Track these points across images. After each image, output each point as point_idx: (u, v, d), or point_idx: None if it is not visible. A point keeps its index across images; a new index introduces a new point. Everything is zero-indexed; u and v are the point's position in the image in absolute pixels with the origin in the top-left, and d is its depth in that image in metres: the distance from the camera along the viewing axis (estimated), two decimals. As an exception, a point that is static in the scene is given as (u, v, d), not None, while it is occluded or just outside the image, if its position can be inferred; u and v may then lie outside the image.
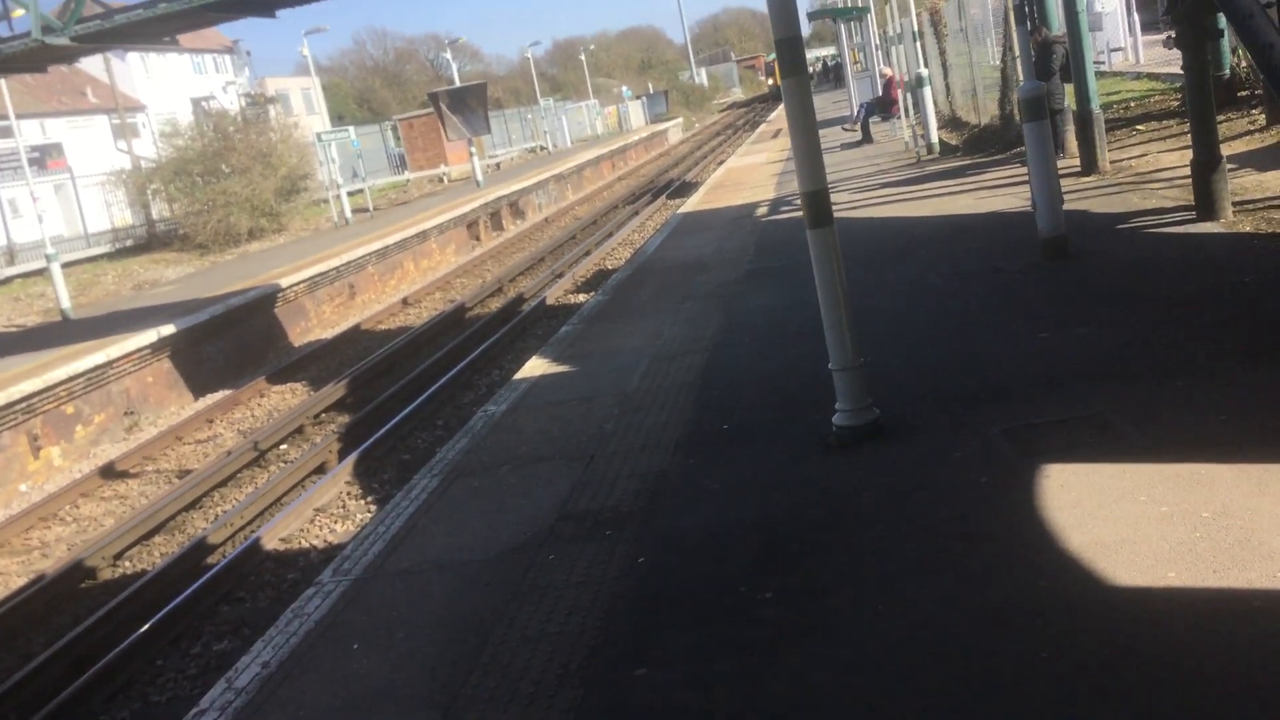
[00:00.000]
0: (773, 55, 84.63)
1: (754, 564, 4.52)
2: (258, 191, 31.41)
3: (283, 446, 12.54)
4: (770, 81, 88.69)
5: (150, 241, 33.13)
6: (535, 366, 9.21)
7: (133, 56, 52.67)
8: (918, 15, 22.83)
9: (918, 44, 22.07)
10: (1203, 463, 4.58)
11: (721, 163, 33.77)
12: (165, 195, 33.28)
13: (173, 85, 57.83)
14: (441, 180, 43.77)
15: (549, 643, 4.18)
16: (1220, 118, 11.21)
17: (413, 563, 5.34)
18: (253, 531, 9.67)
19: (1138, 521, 4.21)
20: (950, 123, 23.23)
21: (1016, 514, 4.49)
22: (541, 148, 57.07)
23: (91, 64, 46.48)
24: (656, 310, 10.49)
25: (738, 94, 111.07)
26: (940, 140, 20.01)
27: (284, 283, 19.53)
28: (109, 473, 12.70)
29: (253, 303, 18.54)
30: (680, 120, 75.81)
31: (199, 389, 16.33)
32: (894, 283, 9.41)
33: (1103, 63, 23.46)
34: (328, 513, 9.95)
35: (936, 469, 5.12)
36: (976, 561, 4.17)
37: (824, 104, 40.47)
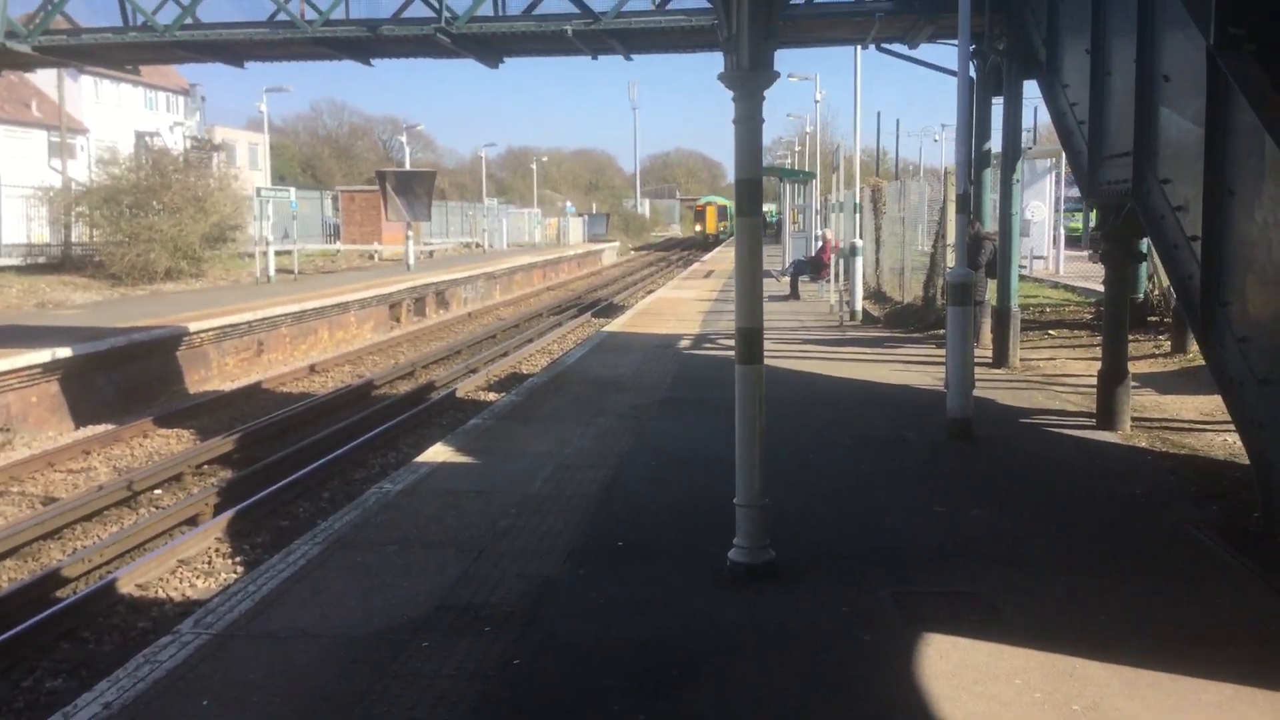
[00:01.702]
0: (706, 199, 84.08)
1: (631, 683, 4.46)
2: (184, 233, 30.92)
3: (157, 491, 12.07)
4: (698, 227, 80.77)
5: (63, 263, 32.19)
6: (438, 453, 9.10)
7: (85, 79, 52.04)
8: (861, 190, 23.80)
9: (857, 215, 22.97)
10: (1078, 657, 4.69)
11: (651, 292, 34.25)
12: (89, 220, 32.53)
13: (120, 115, 57.13)
14: (372, 257, 43.60)
15: (410, 730, 4.04)
16: (1129, 337, 11.77)
17: (280, 627, 5.15)
18: (110, 572, 9.22)
19: (1011, 704, 4.27)
20: (875, 295, 24.01)
21: (894, 676, 4.52)
22: (478, 245, 57.46)
23: (43, 80, 45.89)
24: (568, 420, 10.48)
25: (676, 231, 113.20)
26: (864, 309, 20.66)
27: (192, 327, 19.09)
28: (-31, 487, 12.08)
29: (155, 341, 18.05)
30: (617, 244, 76.97)
31: (82, 418, 15.73)
32: (805, 436, 9.55)
33: (1025, 267, 24.58)
34: (192, 566, 9.55)
35: (823, 619, 5.15)
36: (850, 717, 4.17)
37: (758, 256, 41.42)
